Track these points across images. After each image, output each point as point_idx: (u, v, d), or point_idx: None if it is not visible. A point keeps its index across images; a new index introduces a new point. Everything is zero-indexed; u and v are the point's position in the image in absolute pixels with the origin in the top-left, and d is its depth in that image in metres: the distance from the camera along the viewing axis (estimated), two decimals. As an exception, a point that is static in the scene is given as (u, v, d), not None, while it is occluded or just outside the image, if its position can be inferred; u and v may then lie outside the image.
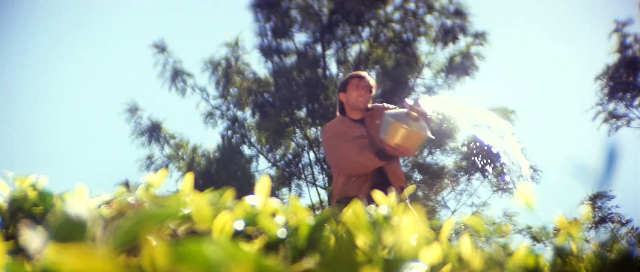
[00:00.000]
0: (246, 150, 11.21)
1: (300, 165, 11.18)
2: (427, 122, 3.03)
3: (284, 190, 11.20)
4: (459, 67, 11.17)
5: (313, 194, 11.09)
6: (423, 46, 11.49)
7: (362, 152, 3.09)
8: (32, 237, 0.48)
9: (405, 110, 3.00)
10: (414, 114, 2.95)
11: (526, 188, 0.98)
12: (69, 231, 0.48)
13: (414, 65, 11.18)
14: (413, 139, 2.96)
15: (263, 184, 0.91)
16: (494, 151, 2.86)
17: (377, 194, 1.00)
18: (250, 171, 10.71)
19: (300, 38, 11.32)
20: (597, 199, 10.45)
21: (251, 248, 0.63)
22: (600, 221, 10.43)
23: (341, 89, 3.37)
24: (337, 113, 3.41)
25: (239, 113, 11.38)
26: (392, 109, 3.14)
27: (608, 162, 0.87)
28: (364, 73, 3.37)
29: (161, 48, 11.11)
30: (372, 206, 0.91)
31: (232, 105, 11.36)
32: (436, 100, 3.06)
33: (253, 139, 11.29)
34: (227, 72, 11.20)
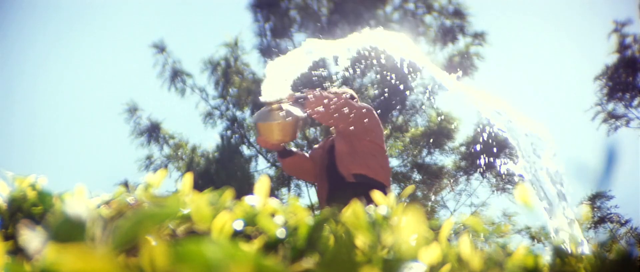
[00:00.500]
0: (245, 150, 11.21)
1: (299, 165, 11.17)
2: (298, 105, 3.05)
3: (284, 190, 11.20)
4: (458, 67, 11.17)
5: (312, 194, 11.10)
6: (422, 46, 11.49)
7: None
8: (32, 238, 0.48)
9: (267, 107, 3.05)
10: (274, 105, 3.00)
11: (525, 188, 0.98)
12: (68, 231, 0.48)
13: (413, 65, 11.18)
14: (280, 128, 3.01)
15: (262, 184, 0.91)
16: (509, 138, 2.70)
17: (376, 194, 1.00)
18: (249, 171, 10.70)
19: (300, 38, 11.32)
20: (596, 199, 10.46)
21: (250, 248, 0.63)
22: (600, 221, 10.43)
23: None
24: None
25: (238, 113, 11.38)
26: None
27: (607, 162, 0.87)
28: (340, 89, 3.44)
29: (160, 48, 11.11)
30: (371, 206, 0.91)
31: (231, 106, 11.36)
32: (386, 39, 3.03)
33: (252, 139, 11.29)
34: (226, 72, 11.20)
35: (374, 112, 3.23)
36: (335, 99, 2.97)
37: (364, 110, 3.11)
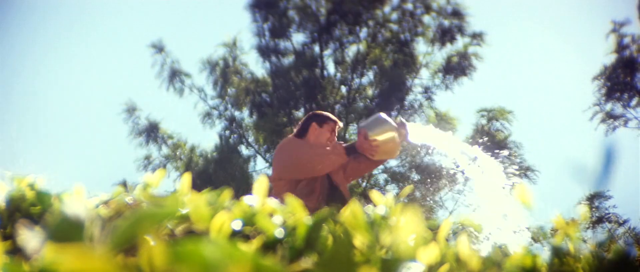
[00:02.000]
0: (244, 150, 11.21)
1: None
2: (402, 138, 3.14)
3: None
4: (457, 67, 11.17)
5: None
6: (420, 46, 11.50)
7: (335, 146, 3.12)
8: (30, 237, 0.48)
9: (387, 120, 3.09)
10: (402, 130, 3.05)
11: (522, 189, 0.98)
12: (67, 231, 0.48)
13: (412, 65, 11.19)
14: (391, 145, 3.06)
15: (261, 184, 0.91)
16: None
17: (375, 194, 1.00)
18: (248, 171, 10.71)
19: (298, 38, 11.33)
20: (594, 199, 10.47)
21: (249, 248, 0.63)
22: (598, 221, 10.45)
23: (319, 121, 3.32)
24: (295, 134, 3.31)
25: (236, 113, 11.39)
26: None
27: (605, 162, 0.87)
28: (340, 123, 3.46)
29: (159, 48, 11.12)
30: (370, 205, 0.91)
31: (229, 105, 11.36)
32: (422, 130, 3.19)
33: (251, 139, 11.29)
34: (224, 72, 11.21)
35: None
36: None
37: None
